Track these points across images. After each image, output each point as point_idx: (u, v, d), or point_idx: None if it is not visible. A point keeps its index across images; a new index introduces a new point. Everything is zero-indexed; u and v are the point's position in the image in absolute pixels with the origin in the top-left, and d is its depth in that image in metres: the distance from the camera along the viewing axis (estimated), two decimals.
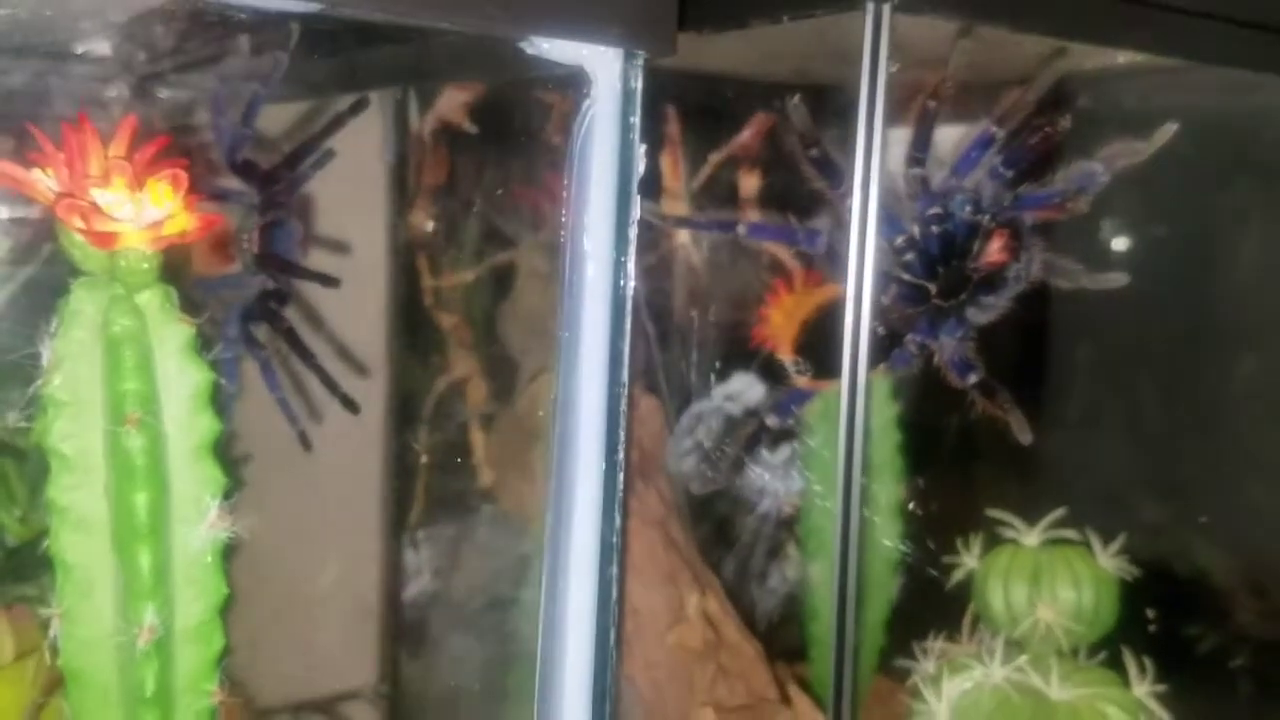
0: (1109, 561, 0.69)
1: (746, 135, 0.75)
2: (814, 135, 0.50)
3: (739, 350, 0.78)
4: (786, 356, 0.62)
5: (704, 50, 0.51)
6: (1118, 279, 0.53)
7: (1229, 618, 0.73)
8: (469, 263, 0.72)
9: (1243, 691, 0.72)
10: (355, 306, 0.68)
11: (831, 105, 0.54)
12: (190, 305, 0.45)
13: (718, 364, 0.81)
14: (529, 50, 0.34)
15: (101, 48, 0.61)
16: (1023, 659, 0.67)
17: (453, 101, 0.63)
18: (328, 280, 0.53)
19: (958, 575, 0.71)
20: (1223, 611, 0.74)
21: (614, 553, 0.39)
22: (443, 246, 0.70)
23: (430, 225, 0.70)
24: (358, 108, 0.53)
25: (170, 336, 0.43)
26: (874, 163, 0.45)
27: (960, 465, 0.78)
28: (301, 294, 0.57)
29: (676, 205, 0.71)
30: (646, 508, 0.67)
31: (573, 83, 0.36)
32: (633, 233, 0.37)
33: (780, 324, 0.71)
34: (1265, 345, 0.73)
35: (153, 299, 0.43)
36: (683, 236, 0.78)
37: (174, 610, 0.44)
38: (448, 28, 0.31)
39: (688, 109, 0.72)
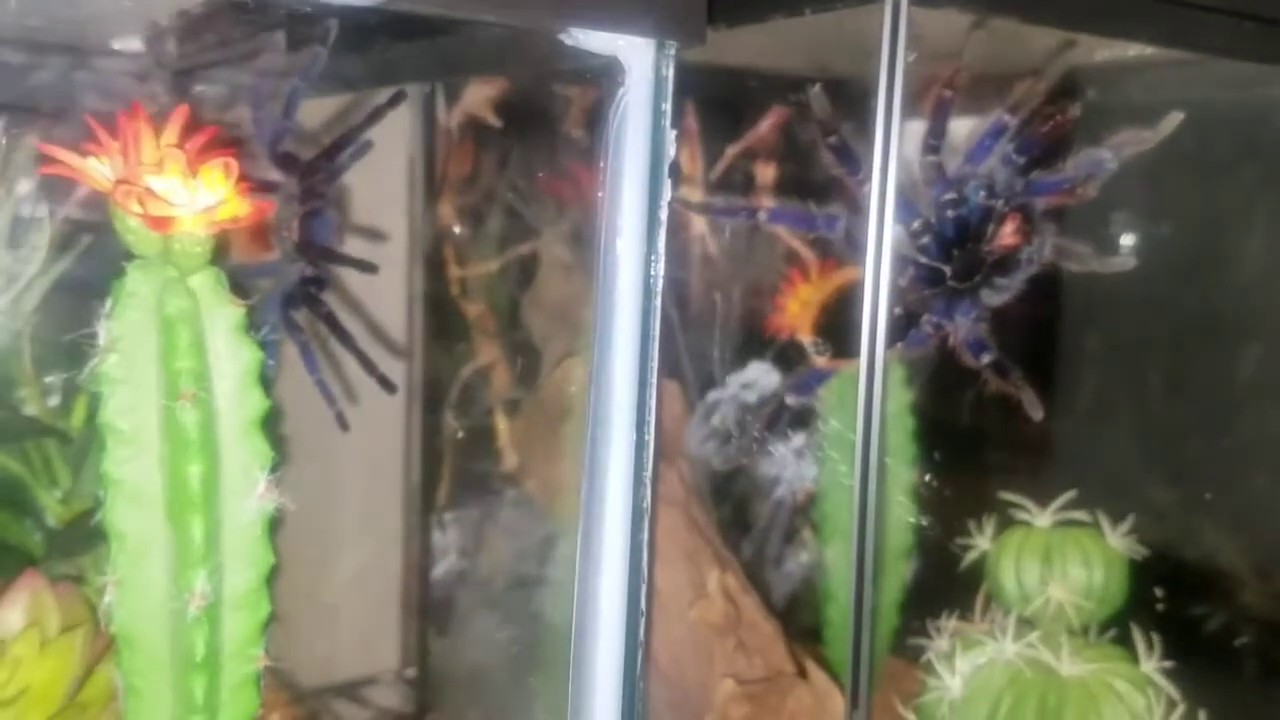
0: (1118, 542, 0.70)
1: (765, 127, 0.77)
2: (833, 123, 0.52)
3: (758, 338, 0.80)
4: (806, 337, 0.64)
5: (724, 45, 0.53)
6: (1126, 262, 0.55)
7: (1235, 598, 0.75)
8: (494, 253, 0.74)
9: (1249, 669, 0.73)
10: (384, 294, 0.70)
11: (848, 96, 0.56)
12: (236, 290, 0.47)
13: (736, 352, 0.83)
14: (567, 42, 0.36)
15: (148, 43, 0.63)
16: (1034, 636, 0.68)
17: (482, 95, 0.65)
18: (366, 266, 0.55)
19: (971, 556, 0.73)
20: (1229, 591, 0.75)
21: (644, 519, 0.41)
22: (469, 237, 0.72)
23: (457, 216, 0.72)
24: (395, 100, 0.55)
25: (221, 317, 0.45)
26: (891, 150, 0.46)
27: (972, 450, 0.80)
28: (336, 281, 0.59)
29: (696, 194, 0.73)
30: (668, 488, 0.69)
31: (607, 72, 0.37)
32: (663, 214, 0.39)
33: (796, 313, 0.73)
34: (1274, 334, 0.74)
35: (205, 281, 0.45)
36: (701, 227, 0.80)
37: (223, 578, 0.46)
38: (493, 20, 0.33)
39: (706, 102, 0.74)
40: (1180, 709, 0.65)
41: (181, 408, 0.44)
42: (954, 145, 0.54)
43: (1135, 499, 0.73)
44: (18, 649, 0.53)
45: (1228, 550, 0.76)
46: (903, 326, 0.53)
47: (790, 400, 0.61)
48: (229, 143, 0.48)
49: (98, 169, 0.44)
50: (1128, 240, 0.77)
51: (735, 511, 0.84)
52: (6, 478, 0.66)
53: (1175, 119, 0.52)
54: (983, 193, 0.53)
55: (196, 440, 0.44)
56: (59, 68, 0.74)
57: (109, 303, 0.45)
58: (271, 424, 0.47)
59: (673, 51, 0.37)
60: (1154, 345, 0.78)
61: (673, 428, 0.75)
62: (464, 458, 0.74)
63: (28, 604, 0.56)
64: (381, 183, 0.69)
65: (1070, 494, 0.71)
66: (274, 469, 0.47)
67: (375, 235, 0.65)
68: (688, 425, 0.79)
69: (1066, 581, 0.69)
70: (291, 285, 0.56)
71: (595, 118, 0.59)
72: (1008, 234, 0.53)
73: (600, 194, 0.38)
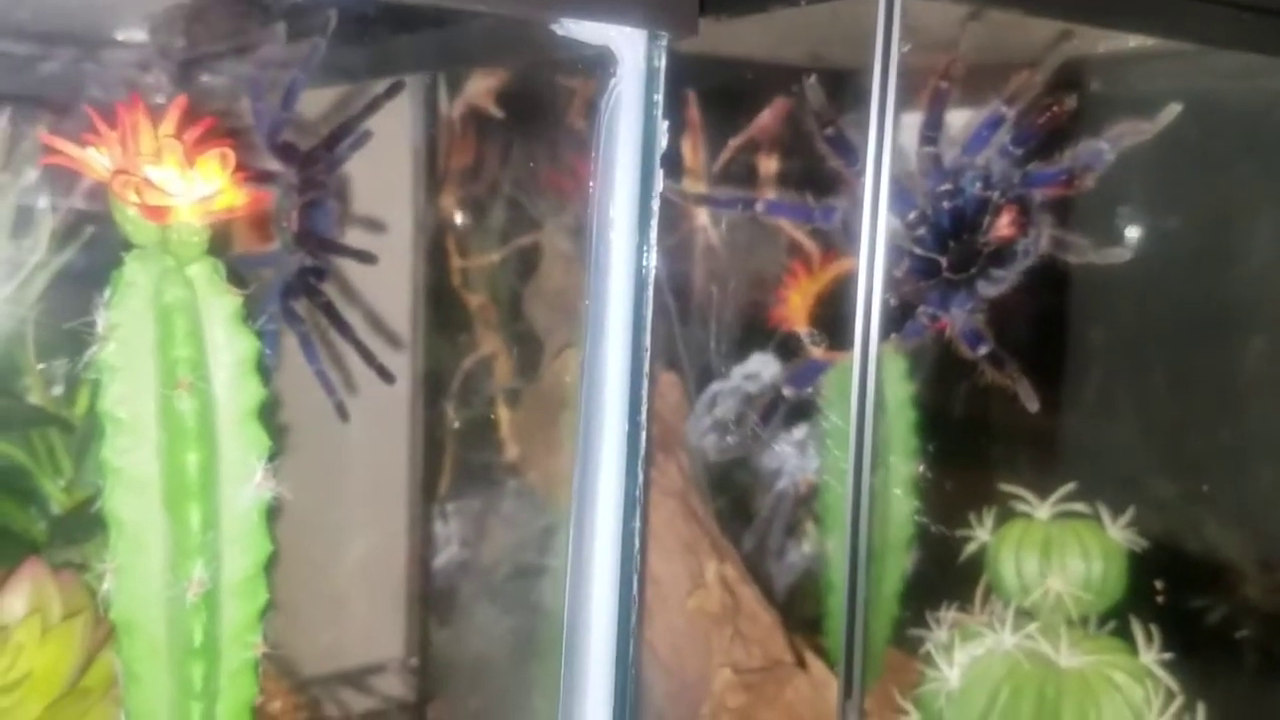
0: (1118, 534, 0.70)
1: (764, 118, 0.77)
2: (829, 115, 0.52)
3: (758, 330, 0.80)
4: (803, 329, 0.64)
5: (721, 35, 0.53)
6: (1122, 254, 0.55)
7: (1236, 590, 0.75)
8: (495, 244, 0.75)
9: (1249, 661, 0.74)
10: (385, 284, 0.70)
11: (845, 87, 0.56)
12: (234, 279, 0.48)
13: (737, 344, 0.83)
14: (559, 32, 0.36)
15: (149, 34, 0.63)
16: (1033, 627, 0.68)
17: (480, 85, 0.65)
18: (365, 257, 0.55)
19: (970, 548, 0.73)
20: (1230, 584, 0.75)
21: (637, 507, 0.41)
22: (470, 228, 0.72)
23: (458, 207, 0.72)
24: (393, 91, 0.55)
25: (219, 306, 0.46)
26: (886, 141, 0.46)
27: (973, 443, 0.80)
28: (336, 271, 0.60)
29: (697, 186, 0.73)
30: (666, 479, 0.69)
31: (600, 63, 0.38)
32: (655, 205, 0.39)
33: (798, 305, 0.73)
34: (1274, 326, 0.74)
35: (202, 271, 0.45)
36: (703, 218, 0.80)
37: (221, 565, 0.46)
38: (485, 10, 0.33)
39: (706, 93, 0.74)
40: (1179, 701, 0.65)
41: (179, 396, 0.44)
42: (951, 137, 0.54)
43: (1136, 491, 0.73)
44: (20, 635, 0.53)
45: (1228, 543, 0.76)
46: (899, 318, 0.54)
47: (788, 391, 0.61)
48: (227, 133, 0.48)
49: (97, 159, 0.45)
50: (1130, 232, 0.77)
51: (737, 503, 0.84)
52: (9, 466, 0.66)
53: (1173, 111, 0.52)
54: (979, 184, 0.53)
55: (194, 429, 0.45)
56: (61, 58, 0.74)
57: (107, 292, 0.46)
58: (269, 413, 0.47)
59: (664, 42, 0.38)
60: (1155, 338, 0.78)
61: (673, 419, 0.75)
62: (465, 448, 0.75)
63: (30, 591, 0.57)
64: (382, 173, 0.69)
65: (1070, 486, 0.71)
66: (271, 458, 0.47)
67: (376, 226, 0.65)
68: (688, 417, 0.79)
69: (1066, 573, 0.69)
70: (291, 275, 0.56)
71: (595, 111, 0.59)
72: (1004, 226, 0.53)
73: (592, 184, 0.38)
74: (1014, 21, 0.52)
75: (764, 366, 0.84)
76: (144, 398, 0.45)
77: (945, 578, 0.75)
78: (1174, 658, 0.67)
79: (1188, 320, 0.76)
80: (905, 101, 0.48)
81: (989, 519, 0.73)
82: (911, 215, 0.54)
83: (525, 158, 0.71)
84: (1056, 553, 0.70)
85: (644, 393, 0.42)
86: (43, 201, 0.70)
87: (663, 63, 0.38)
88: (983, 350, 0.55)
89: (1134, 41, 0.58)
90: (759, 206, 0.59)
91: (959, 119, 0.55)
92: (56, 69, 0.74)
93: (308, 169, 0.55)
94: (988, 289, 0.54)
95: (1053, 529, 0.71)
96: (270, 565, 0.48)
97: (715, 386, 0.84)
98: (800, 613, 0.78)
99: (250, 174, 0.47)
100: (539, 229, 0.71)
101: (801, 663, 0.67)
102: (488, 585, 0.73)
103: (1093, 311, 0.80)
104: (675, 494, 0.69)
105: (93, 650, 0.57)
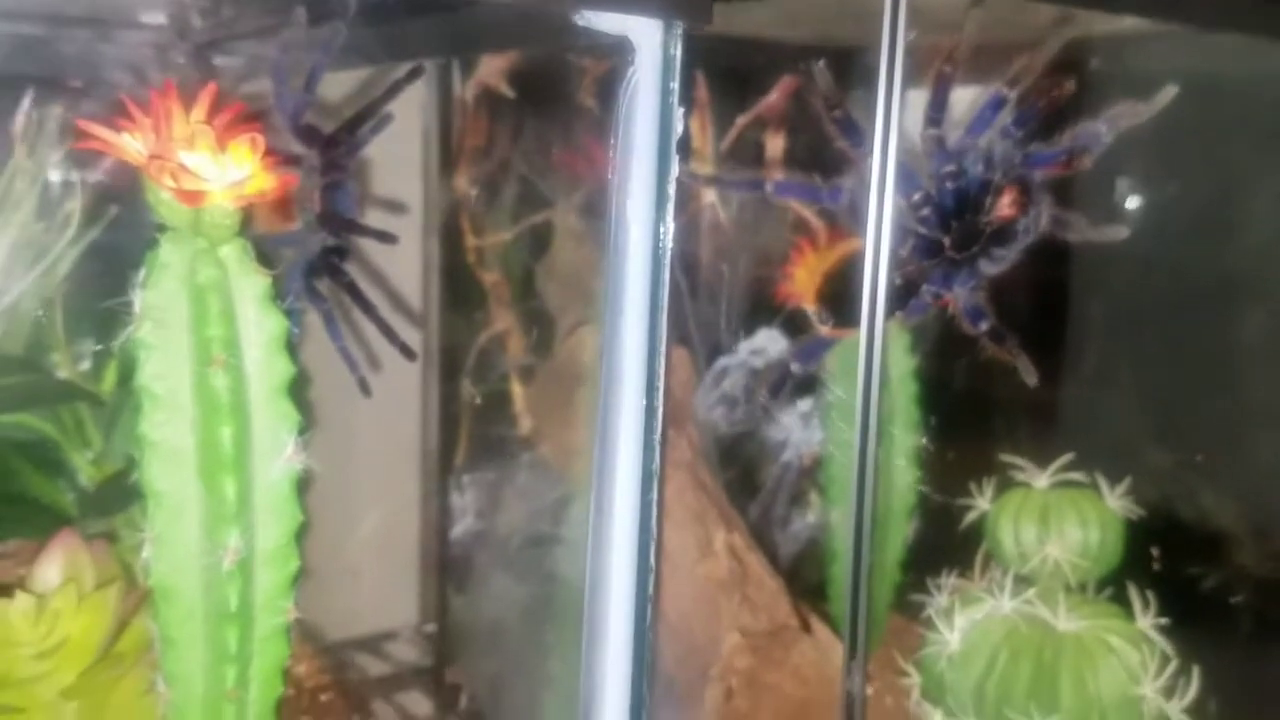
0: (1115, 503, 0.72)
1: (772, 98, 0.78)
2: (837, 97, 0.54)
3: (765, 306, 0.82)
4: (810, 307, 0.66)
5: (732, 17, 0.54)
6: (1119, 232, 0.56)
7: (1230, 557, 0.77)
8: (509, 223, 0.76)
9: (1243, 626, 0.76)
10: (401, 263, 0.72)
11: (851, 67, 0.57)
12: (262, 260, 0.49)
13: (744, 320, 0.84)
14: (580, 22, 0.38)
15: (171, 18, 0.65)
16: (1031, 592, 0.70)
17: (497, 67, 0.67)
18: (386, 237, 0.57)
19: (971, 517, 0.75)
20: (1225, 551, 0.77)
21: (654, 480, 0.43)
22: (485, 207, 0.74)
23: (473, 187, 0.74)
24: (414, 75, 0.57)
25: (249, 286, 0.47)
26: (893, 124, 0.48)
27: (974, 415, 0.82)
28: (356, 251, 0.61)
29: (705, 166, 0.74)
30: (676, 452, 0.71)
31: (618, 51, 0.39)
32: (672, 189, 0.41)
33: (805, 282, 0.75)
34: (1269, 301, 0.75)
35: (233, 252, 0.47)
36: (710, 197, 0.82)
37: (255, 534, 0.48)
38: (509, 0, 0.35)
39: (715, 73, 0.75)
40: (1174, 664, 0.67)
41: (213, 373, 0.46)
42: (954, 119, 0.56)
43: (1132, 461, 0.75)
44: (57, 603, 0.55)
45: (1224, 511, 0.78)
46: (903, 296, 0.55)
47: (795, 367, 0.63)
48: (252, 117, 0.50)
49: (131, 144, 0.46)
50: (1127, 209, 0.79)
51: (744, 475, 0.86)
52: (39, 440, 0.68)
53: (1170, 93, 0.54)
54: (981, 165, 0.54)
55: (228, 404, 0.47)
56: (83, 41, 0.76)
57: (143, 272, 0.47)
58: (298, 389, 0.49)
59: (680, 31, 0.39)
60: (1151, 313, 0.79)
61: (682, 394, 0.77)
62: (480, 422, 0.77)
63: (64, 561, 0.59)
64: (398, 154, 0.71)
65: (1068, 456, 0.72)
66: (301, 432, 0.49)
67: (395, 206, 0.67)
68: (697, 391, 0.81)
69: (1063, 541, 0.71)
70: (313, 255, 0.58)
71: (607, 91, 0.60)
72: (1005, 205, 0.54)
73: (611, 168, 0.40)
74: (1015, 5, 0.54)
75: (770, 342, 0.86)
76: (179, 374, 0.47)
77: (946, 545, 0.77)
78: (1169, 623, 0.69)
79: (1183, 295, 0.77)
80: (910, 83, 0.50)
81: (989, 488, 0.74)
82: (916, 195, 0.55)
83: (541, 138, 0.72)
84: (1054, 521, 0.72)
85: (661, 369, 0.44)
86: (69, 183, 0.72)
87: (679, 51, 0.39)
88: (984, 326, 0.57)
89: (1131, 23, 0.59)
90: (768, 187, 0.61)
91: (962, 100, 0.56)
92: (79, 52, 0.75)
93: (330, 151, 0.56)
94: (989, 267, 0.56)
95: (1051, 498, 0.72)
96: (301, 534, 0.50)
97: (723, 361, 0.86)
98: (804, 580, 0.80)
99: (276, 157, 0.48)
100: (553, 209, 0.73)
101: (806, 627, 0.69)
102: (503, 554, 0.75)
103: (1091, 287, 0.81)
104: (684, 466, 0.70)
105: (125, 617, 0.59)
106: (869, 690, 0.77)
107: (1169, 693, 0.67)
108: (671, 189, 0.41)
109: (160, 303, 0.46)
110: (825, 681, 0.65)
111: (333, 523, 0.78)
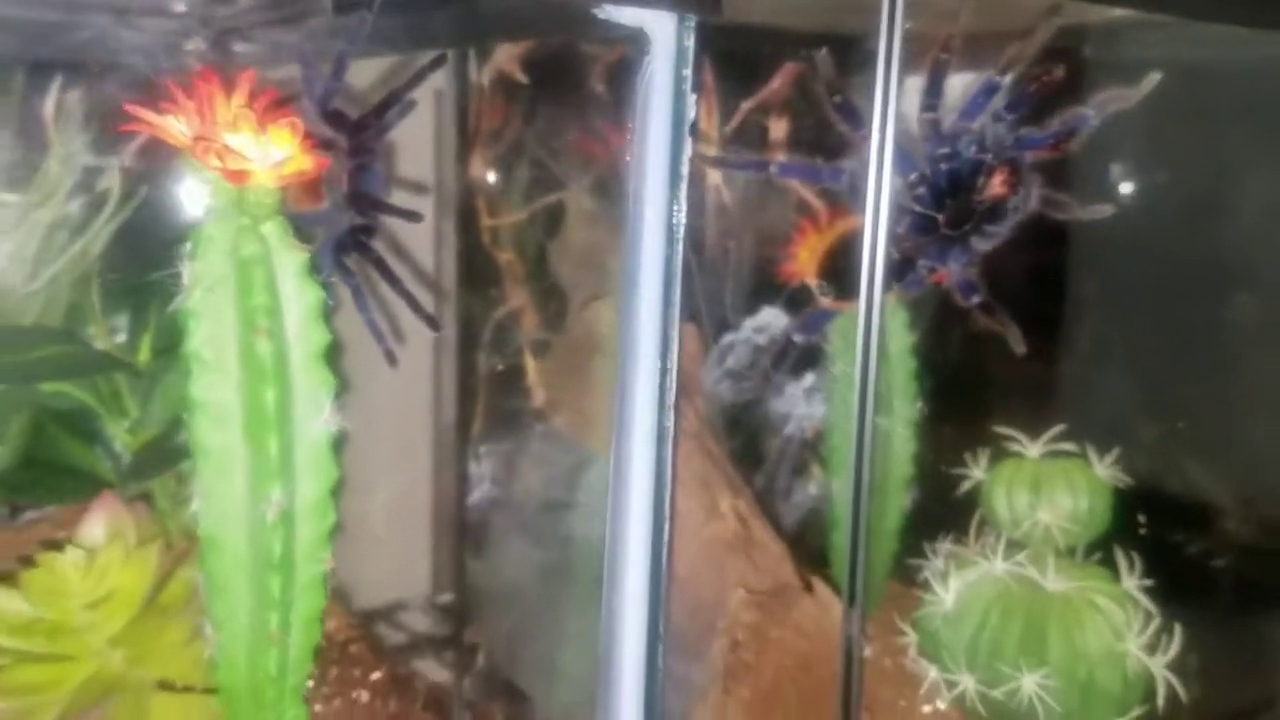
0: (1104, 472, 0.75)
1: (775, 84, 0.81)
2: (838, 84, 0.57)
3: (768, 285, 0.85)
4: (812, 281, 0.69)
5: (739, 6, 0.57)
6: (1103, 210, 0.60)
7: (1213, 524, 0.80)
8: (522, 204, 0.79)
9: (1223, 588, 0.79)
10: (421, 241, 0.75)
11: (851, 53, 0.60)
12: (299, 236, 0.53)
13: (748, 297, 0.88)
14: (600, 15, 0.41)
15: (193, 7, 0.67)
16: (1022, 555, 0.74)
17: (513, 54, 0.70)
18: (412, 215, 0.60)
19: (966, 486, 0.79)
20: (1207, 519, 0.80)
21: (668, 437, 0.46)
22: (499, 190, 0.77)
23: (489, 169, 0.77)
24: (437, 63, 0.60)
25: (289, 260, 0.51)
26: (891, 110, 0.51)
27: (969, 389, 0.85)
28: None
29: (710, 149, 0.77)
30: (684, 421, 0.74)
31: (635, 42, 0.42)
32: (685, 170, 0.44)
33: (808, 261, 0.78)
34: (1252, 282, 0.79)
35: (274, 228, 0.50)
36: (716, 179, 0.85)
37: (295, 489, 0.52)
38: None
39: (720, 59, 0.78)
40: (1156, 622, 0.71)
41: (258, 340, 0.50)
42: (949, 103, 0.59)
43: (1121, 433, 0.78)
44: (104, 558, 0.59)
45: (1207, 481, 0.81)
46: (900, 270, 0.58)
47: (797, 337, 0.66)
48: (284, 101, 0.53)
49: (175, 126, 0.50)
50: (1123, 189, 0.82)
51: (748, 447, 0.89)
52: (78, 409, 0.72)
53: (1153, 79, 0.57)
54: (975, 147, 0.58)
55: (271, 368, 0.50)
56: (105, 27, 0.78)
57: (190, 246, 0.51)
58: (333, 355, 0.53)
59: (693, 23, 0.42)
60: (1140, 291, 0.83)
61: (690, 367, 0.80)
62: (496, 393, 0.80)
63: (107, 520, 0.62)
64: (419, 138, 0.74)
65: (1059, 428, 0.76)
66: (337, 395, 0.53)
67: (419, 188, 0.70)
68: (704, 365, 0.84)
69: (1054, 507, 0.74)
70: (342, 233, 0.61)
71: (616, 77, 0.63)
72: (997, 185, 0.58)
73: (628, 152, 0.43)
74: None
75: (773, 319, 0.89)
76: (226, 340, 0.50)
77: (943, 513, 0.80)
78: (1153, 584, 0.72)
79: (1170, 277, 0.81)
80: (908, 69, 0.53)
81: (983, 459, 0.78)
82: (912, 176, 0.59)
83: (553, 124, 0.75)
84: (1046, 488, 0.75)
85: (674, 338, 0.47)
86: (101, 165, 0.75)
87: (691, 42, 0.42)
88: (975, 300, 0.60)
89: (1120, 12, 0.62)
90: (773, 169, 0.64)
91: (956, 86, 0.59)
92: (95, 37, 0.78)
93: (358, 135, 0.59)
94: (981, 243, 0.59)
95: (1042, 467, 0.75)
96: (337, 490, 0.53)
97: (728, 338, 0.89)
98: (807, 547, 0.84)
99: (313, 140, 0.51)
100: (566, 189, 0.76)
101: (808, 587, 0.73)
102: (519, 519, 0.78)
103: (1082, 270, 0.84)
104: (692, 435, 0.74)
105: (166, 572, 0.63)
106: (868, 652, 0.81)
107: (1152, 649, 0.70)
108: (685, 168, 0.44)
109: (208, 274, 0.50)
110: (826, 636, 0.69)
111: (356, 491, 0.81)
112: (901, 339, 0.79)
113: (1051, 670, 0.69)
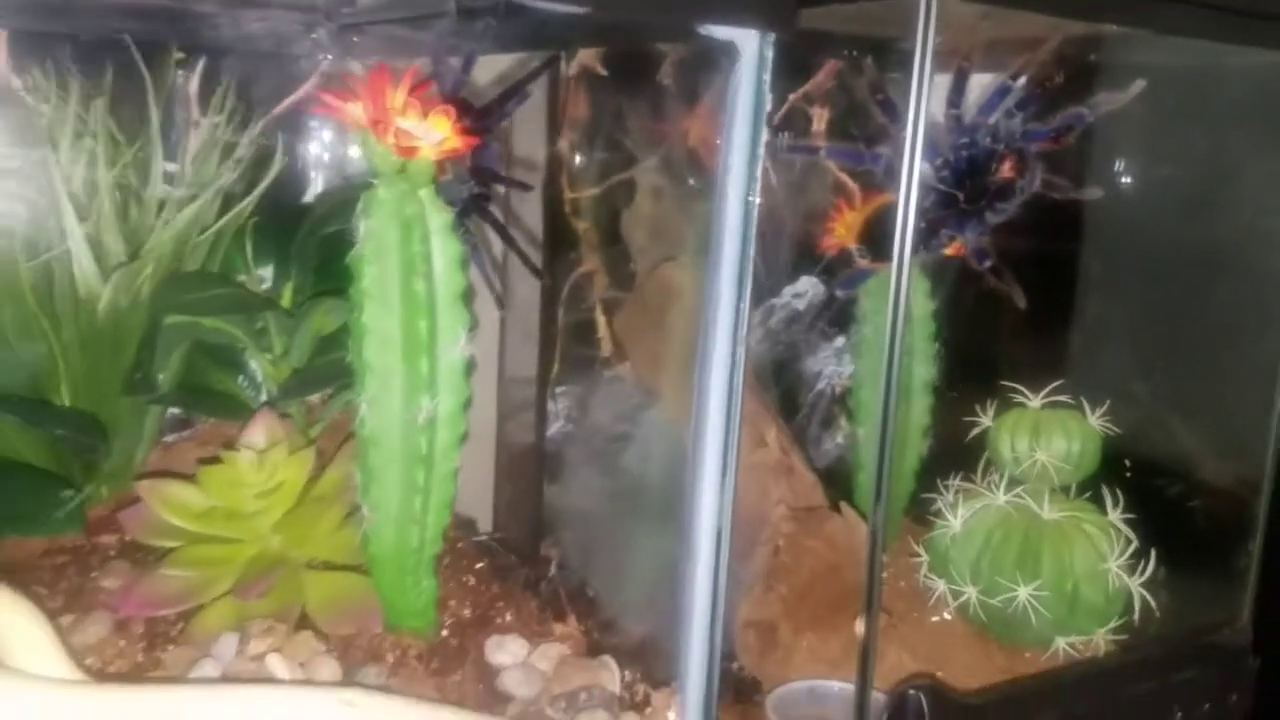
0: (1095, 422, 0.86)
1: (820, 77, 0.93)
2: (880, 84, 0.69)
3: (805, 257, 0.97)
4: (853, 245, 0.81)
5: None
6: (1095, 192, 0.72)
7: (1186, 468, 0.90)
8: (597, 180, 0.92)
9: (1193, 522, 0.90)
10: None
11: (888, 50, 0.72)
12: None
13: (788, 267, 1.00)
14: (702, 31, 0.54)
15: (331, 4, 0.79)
16: (1021, 489, 0.86)
17: (593, 53, 0.81)
18: (524, 186, 0.73)
19: (975, 432, 0.91)
20: (1181, 463, 0.91)
21: (739, 365, 0.59)
22: (585, 167, 0.90)
23: (572, 151, 0.89)
24: (551, 63, 0.72)
25: (437, 219, 0.64)
26: (923, 108, 0.62)
27: (981, 350, 0.97)
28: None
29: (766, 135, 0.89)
30: None
31: (726, 52, 0.55)
32: (761, 154, 0.56)
33: (843, 235, 0.90)
34: (1228, 265, 0.89)
35: (428, 193, 0.63)
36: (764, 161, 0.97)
37: (438, 401, 0.65)
38: (651, 19, 0.49)
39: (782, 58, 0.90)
40: (1134, 546, 0.82)
41: (415, 281, 0.63)
42: (969, 102, 0.71)
43: (1111, 390, 0.88)
44: (273, 456, 0.72)
45: (1184, 432, 0.92)
46: (925, 237, 0.71)
47: (839, 293, 0.79)
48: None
49: (354, 110, 0.63)
50: (1125, 187, 0.92)
51: (785, 399, 1.02)
52: (226, 343, 0.85)
53: (1139, 85, 0.69)
54: (989, 139, 0.70)
55: (425, 304, 0.63)
56: (239, 16, 0.90)
57: (361, 206, 0.63)
58: (467, 298, 0.66)
59: (772, 38, 0.55)
60: (1132, 270, 0.94)
61: None
62: (573, 341, 0.93)
63: (266, 429, 0.76)
64: (525, 124, 0.86)
65: (1058, 383, 0.87)
66: (469, 330, 0.66)
67: (530, 165, 0.83)
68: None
69: (1051, 449, 0.85)
70: (464, 200, 0.74)
71: (682, 73, 0.75)
72: (1006, 170, 0.70)
73: (719, 142, 0.56)
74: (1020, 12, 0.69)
75: (810, 287, 1.02)
76: (390, 281, 0.63)
77: (954, 455, 0.92)
78: (1134, 517, 0.83)
79: (1156, 257, 0.92)
80: (936, 69, 0.64)
81: (991, 410, 0.89)
82: (938, 161, 0.71)
83: (628, 112, 0.87)
84: (1044, 433, 0.86)
85: (746, 295, 0.59)
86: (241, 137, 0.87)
87: (771, 53, 0.55)
88: (986, 264, 0.73)
89: (1113, 27, 0.74)
90: (823, 153, 0.77)
91: (975, 88, 0.72)
92: (232, 24, 0.89)
93: (481, 121, 0.72)
94: (993, 217, 0.72)
95: (1042, 416, 0.86)
96: (467, 406, 0.66)
97: (769, 301, 1.01)
98: (834, 486, 0.96)
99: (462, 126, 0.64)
100: (640, 167, 0.88)
101: (837, 509, 0.85)
102: (591, 449, 0.91)
103: (1082, 249, 0.95)
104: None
105: (316, 472, 0.76)
106: (885, 575, 0.93)
107: (1130, 570, 0.82)
108: (760, 154, 0.56)
109: (377, 229, 0.63)
110: (852, 549, 0.82)
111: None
112: (923, 306, 0.91)
113: (1043, 584, 0.80)
